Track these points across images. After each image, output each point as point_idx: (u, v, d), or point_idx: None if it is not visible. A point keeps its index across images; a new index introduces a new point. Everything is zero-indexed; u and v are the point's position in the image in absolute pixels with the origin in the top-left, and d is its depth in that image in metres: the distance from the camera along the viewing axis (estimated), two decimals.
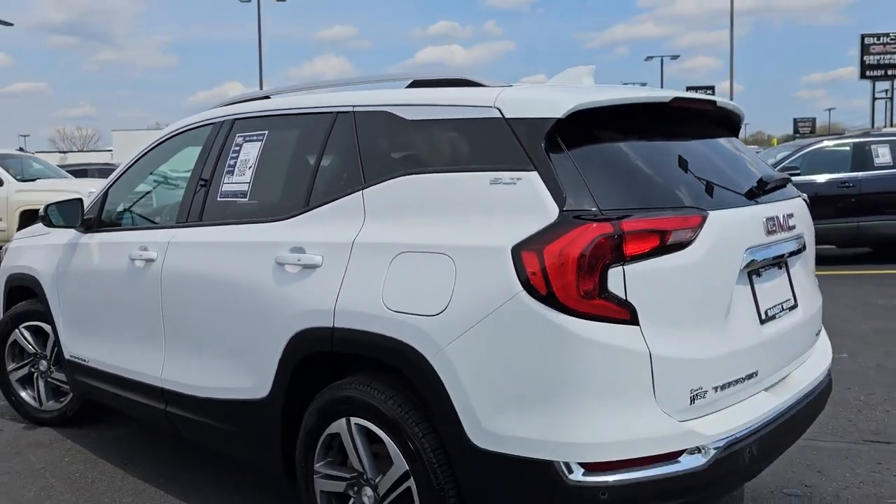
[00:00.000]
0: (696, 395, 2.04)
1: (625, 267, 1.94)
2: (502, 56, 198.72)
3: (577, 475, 1.94)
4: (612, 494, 1.94)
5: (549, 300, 1.92)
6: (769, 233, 2.33)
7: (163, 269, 3.11)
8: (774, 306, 2.39)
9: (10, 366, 4.29)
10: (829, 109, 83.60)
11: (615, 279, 1.94)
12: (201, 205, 3.08)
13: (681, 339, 2.03)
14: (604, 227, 1.94)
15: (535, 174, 2.06)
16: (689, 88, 43.84)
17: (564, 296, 1.92)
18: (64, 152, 68.39)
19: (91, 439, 4.02)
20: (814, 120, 58.12)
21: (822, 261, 10.72)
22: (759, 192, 2.42)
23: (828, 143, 10.44)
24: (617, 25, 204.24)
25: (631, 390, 1.95)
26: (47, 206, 3.68)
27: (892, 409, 4.20)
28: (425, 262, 2.17)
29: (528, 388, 1.98)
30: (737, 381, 2.16)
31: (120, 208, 3.69)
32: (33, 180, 11.49)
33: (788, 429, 2.40)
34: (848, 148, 10.02)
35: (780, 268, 2.50)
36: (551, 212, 1.99)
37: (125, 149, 51.50)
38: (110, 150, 57.68)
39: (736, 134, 2.90)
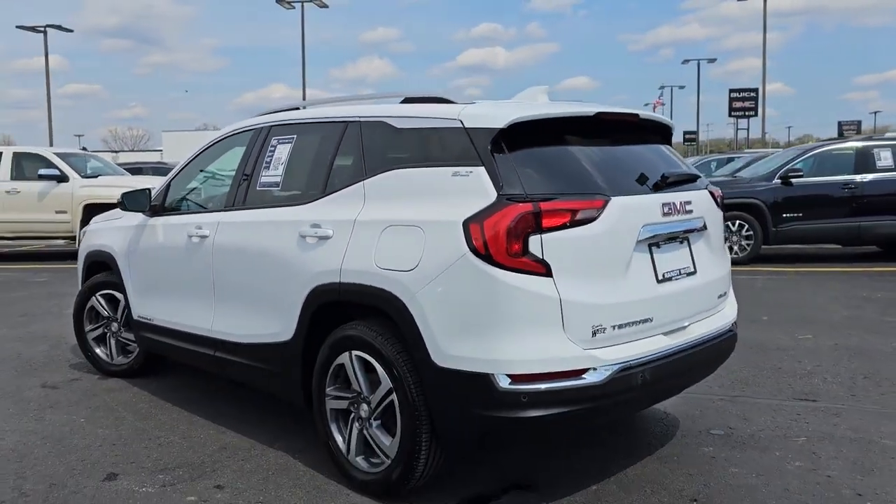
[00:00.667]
0: (597, 330, 2.79)
1: (542, 235, 2.71)
2: (545, 58, 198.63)
3: (505, 384, 2.70)
4: (530, 398, 2.70)
5: (487, 258, 2.70)
6: (665, 215, 3.07)
7: (214, 244, 3.97)
8: (672, 271, 3.12)
9: (88, 327, 5.21)
10: (875, 112, 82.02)
11: (535, 244, 2.70)
12: (244, 193, 3.93)
13: (586, 289, 2.78)
14: (527, 206, 2.70)
15: (482, 168, 2.84)
16: (731, 91, 43.80)
17: (498, 255, 2.69)
18: (116, 152, 70.81)
19: (153, 387, 4.89)
20: (859, 123, 57.33)
21: (830, 259, 11.31)
22: (662, 184, 3.15)
23: (832, 147, 10.95)
24: (662, 27, 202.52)
25: (545, 324, 2.71)
26: (123, 194, 4.58)
27: (832, 378, 4.84)
28: (404, 232, 2.96)
29: (473, 322, 2.75)
30: (633, 323, 2.90)
31: (179, 197, 4.56)
32: (95, 177, 12.60)
33: (685, 365, 3.12)
34: (851, 151, 10.52)
35: (682, 242, 3.23)
36: (491, 195, 2.77)
37: (175, 149, 53.62)
38: (160, 150, 59.82)
39: (667, 140, 3.63)
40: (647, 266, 3.02)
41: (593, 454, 3.61)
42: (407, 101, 3.40)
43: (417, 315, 2.85)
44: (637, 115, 3.35)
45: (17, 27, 32.22)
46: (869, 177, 10.21)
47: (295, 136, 3.79)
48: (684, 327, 3.20)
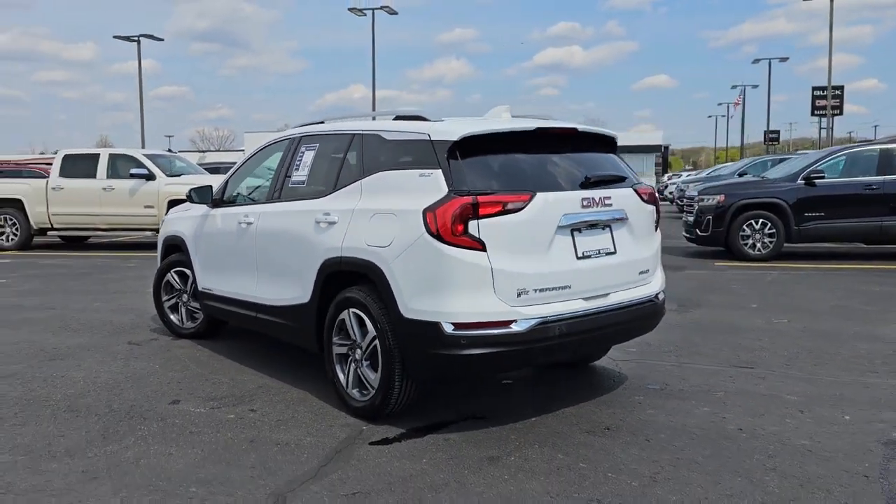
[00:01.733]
0: (521, 292, 3.73)
1: (479, 221, 3.67)
2: (623, 56, 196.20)
3: (450, 330, 3.67)
4: (468, 341, 3.66)
5: (438, 237, 3.67)
6: (584, 207, 3.97)
7: (257, 229, 5.08)
8: (591, 250, 4.02)
9: (164, 298, 6.45)
10: None
11: (474, 227, 3.66)
12: (280, 189, 5.02)
13: (512, 261, 3.72)
14: (467, 199, 3.67)
15: (439, 171, 3.82)
16: (814, 89, 42.67)
17: (445, 235, 3.66)
18: (203, 151, 74.39)
19: (213, 346, 6.07)
20: None
21: (855, 257, 11.83)
22: (586, 183, 4.06)
23: (858, 149, 11.36)
24: (745, 23, 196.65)
25: (480, 286, 3.67)
26: (191, 190, 5.77)
27: (779, 353, 5.58)
28: (384, 218, 3.97)
29: (428, 284, 3.73)
30: (552, 289, 3.83)
31: (234, 192, 5.71)
32: (179, 175, 14.15)
33: (605, 324, 4.02)
34: (875, 153, 10.93)
35: (603, 229, 4.12)
36: (444, 191, 3.74)
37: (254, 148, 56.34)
38: (242, 150, 62.78)
39: (611, 148, 4.53)
40: (569, 246, 3.93)
41: (541, 397, 4.53)
42: (397, 118, 4.41)
43: (391, 280, 3.86)
44: (575, 129, 4.26)
45: (115, 37, 34.89)
46: (892, 177, 10.60)
47: (318, 144, 4.85)
48: (606, 294, 4.09)
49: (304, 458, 3.66)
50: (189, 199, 5.82)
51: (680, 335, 6.19)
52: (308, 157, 4.89)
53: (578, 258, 3.97)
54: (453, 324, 3.68)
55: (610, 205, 4.12)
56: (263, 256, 5.04)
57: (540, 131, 4.07)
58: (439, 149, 3.88)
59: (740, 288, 8.72)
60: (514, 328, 3.70)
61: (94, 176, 14.02)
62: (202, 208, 5.86)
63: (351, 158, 4.50)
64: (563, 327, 3.83)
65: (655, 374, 5.04)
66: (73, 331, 6.74)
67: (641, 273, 4.33)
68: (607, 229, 4.15)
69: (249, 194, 5.66)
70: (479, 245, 3.68)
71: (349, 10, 32.53)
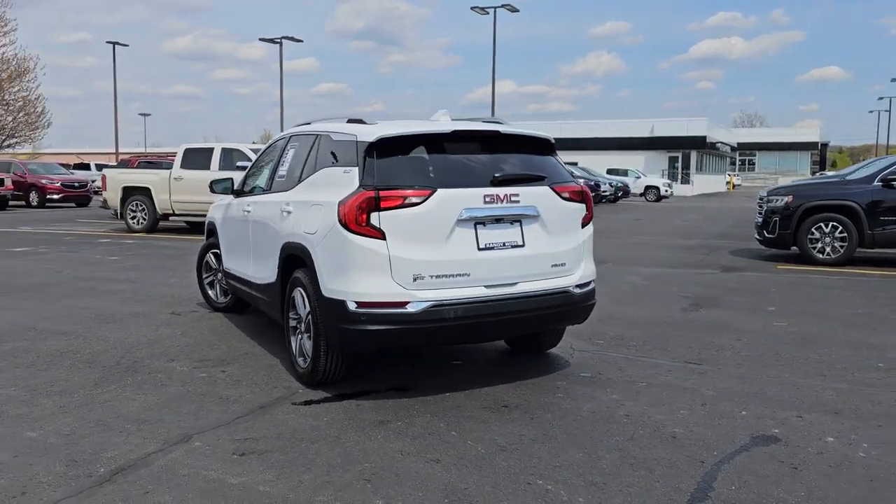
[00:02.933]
0: (417, 277, 4.20)
1: (380, 213, 4.17)
2: (788, 47, 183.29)
3: (353, 307, 4.20)
4: (367, 317, 4.18)
5: (346, 226, 4.21)
6: (486, 203, 4.35)
7: (252, 218, 5.83)
8: (495, 243, 4.39)
9: (204, 275, 7.40)
10: None
11: (375, 218, 4.17)
12: (271, 182, 5.74)
13: (410, 249, 4.19)
14: (371, 193, 4.18)
15: (356, 168, 4.35)
16: None
17: (352, 224, 4.19)
18: None
19: (237, 319, 6.93)
20: None
21: None
22: (497, 182, 4.43)
23: None
24: None
25: (380, 270, 4.17)
26: (212, 182, 6.64)
27: (742, 353, 5.62)
28: (317, 209, 4.56)
29: (338, 267, 4.27)
30: (449, 276, 4.25)
31: (246, 184, 6.51)
32: None
33: (509, 310, 4.39)
34: None
35: (512, 224, 4.47)
36: (355, 186, 4.28)
37: None
38: None
39: (542, 148, 4.85)
40: (470, 238, 4.34)
41: (474, 376, 4.94)
42: (349, 120, 4.98)
43: (315, 263, 4.45)
44: (498, 132, 4.64)
45: (260, 39, 37.76)
46: None
47: (298, 143, 5.52)
48: (513, 284, 4.46)
49: (233, 410, 4.34)
50: (210, 189, 6.69)
51: (662, 331, 6.32)
52: (290, 154, 5.57)
53: (480, 249, 4.36)
54: (356, 302, 4.21)
55: (517, 201, 4.47)
56: (254, 241, 5.78)
57: (457, 133, 4.50)
58: (360, 149, 4.41)
59: (777, 291, 8.52)
60: (409, 309, 4.18)
61: (208, 168, 15.58)
62: (228, 198, 6.72)
63: (312, 156, 5.13)
64: (458, 311, 4.25)
65: (600, 364, 5.30)
66: (136, 301, 7.86)
67: (555, 266, 4.64)
68: (516, 224, 4.51)
69: (253, 186, 6.44)
70: (380, 234, 4.18)
71: (472, 9, 33.25)
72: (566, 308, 4.69)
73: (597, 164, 42.27)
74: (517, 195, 4.47)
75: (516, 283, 4.48)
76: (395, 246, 4.19)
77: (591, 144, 51.15)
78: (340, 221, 4.25)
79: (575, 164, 38.27)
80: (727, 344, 5.89)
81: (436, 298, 4.22)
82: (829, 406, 4.37)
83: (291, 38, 37.90)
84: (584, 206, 4.83)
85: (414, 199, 4.22)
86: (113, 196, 16.80)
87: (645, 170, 47.51)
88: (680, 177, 51.14)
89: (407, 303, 4.18)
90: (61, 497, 3.18)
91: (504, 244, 4.45)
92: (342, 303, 4.24)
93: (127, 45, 44.40)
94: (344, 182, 4.40)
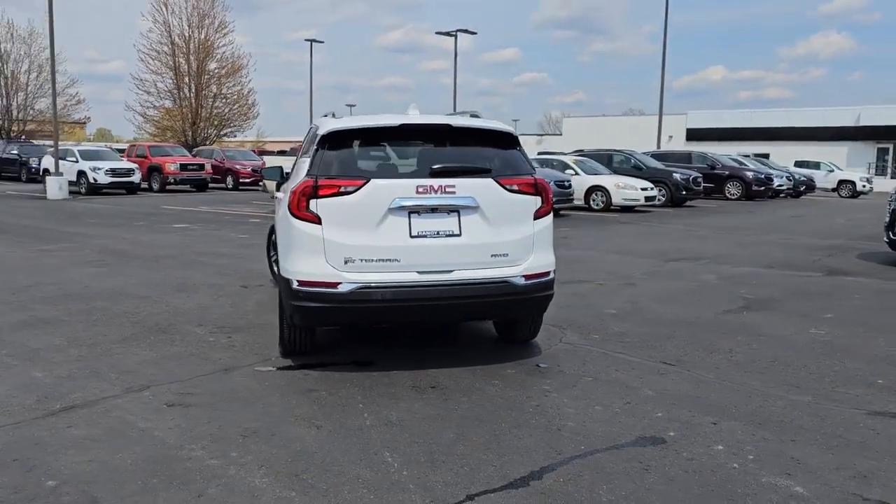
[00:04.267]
0: (348, 259, 4.54)
1: (318, 200, 4.57)
2: None
3: (295, 286, 4.64)
4: (304, 295, 4.60)
5: (291, 212, 4.65)
6: (419, 193, 4.57)
7: (279, 203, 6.46)
8: (428, 231, 4.60)
9: (270, 254, 8.21)
10: None
11: (314, 205, 4.57)
12: (293, 171, 6.33)
13: (343, 234, 4.54)
14: (310, 181, 4.59)
15: (310, 159, 4.78)
16: None
17: (295, 210, 4.62)
18: (541, 135, 78.14)
19: None
20: None
21: None
22: (435, 173, 4.64)
23: None
24: None
25: (315, 253, 4.56)
26: (263, 169, 7.36)
27: (739, 358, 5.33)
28: (284, 195, 5.04)
29: (287, 249, 4.73)
30: (380, 260, 4.55)
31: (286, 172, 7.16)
32: None
33: (441, 296, 4.60)
34: None
35: (449, 214, 4.65)
36: (305, 175, 4.71)
37: (573, 133, 58.06)
38: (559, 135, 64.93)
39: (499, 142, 4.97)
40: (403, 226, 4.59)
41: (432, 356, 5.19)
42: (324, 115, 5.42)
43: (278, 245, 4.94)
44: (449, 126, 4.84)
45: (436, 33, 39.16)
46: None
47: (309, 135, 6.05)
48: (448, 271, 4.66)
49: (202, 368, 4.96)
50: (261, 177, 7.41)
51: (672, 331, 6.11)
52: (307, 146, 6.11)
53: (412, 237, 4.61)
54: (298, 281, 4.64)
55: (453, 192, 4.64)
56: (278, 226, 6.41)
57: (405, 127, 4.77)
58: (317, 141, 4.83)
59: (859, 299, 7.74)
60: (340, 289, 4.54)
61: None
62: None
63: (304, 147, 5.62)
64: (387, 293, 4.55)
65: (569, 357, 5.31)
66: (222, 275, 8.87)
67: (495, 256, 4.75)
68: (454, 214, 4.68)
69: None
70: (317, 219, 4.58)
71: None
72: (508, 298, 4.79)
73: (794, 155, 39.16)
74: (453, 187, 4.65)
75: (452, 271, 4.67)
76: (329, 230, 4.56)
77: (786, 134, 47.35)
78: (288, 207, 4.70)
79: (766, 155, 35.80)
80: (727, 347, 5.60)
81: (365, 281, 4.54)
82: (758, 417, 4.13)
83: (466, 31, 38.90)
84: (538, 198, 4.89)
85: (348, 188, 4.56)
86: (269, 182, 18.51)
87: (848, 162, 43.16)
88: (890, 171, 45.78)
89: (338, 283, 4.55)
90: (7, 423, 3.95)
91: (438, 233, 4.65)
92: (289, 281, 4.70)
93: (322, 42, 47.90)
94: (303, 171, 4.84)
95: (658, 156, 25.87)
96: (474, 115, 5.40)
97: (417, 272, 4.63)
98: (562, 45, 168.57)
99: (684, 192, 21.87)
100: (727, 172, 26.17)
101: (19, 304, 7.02)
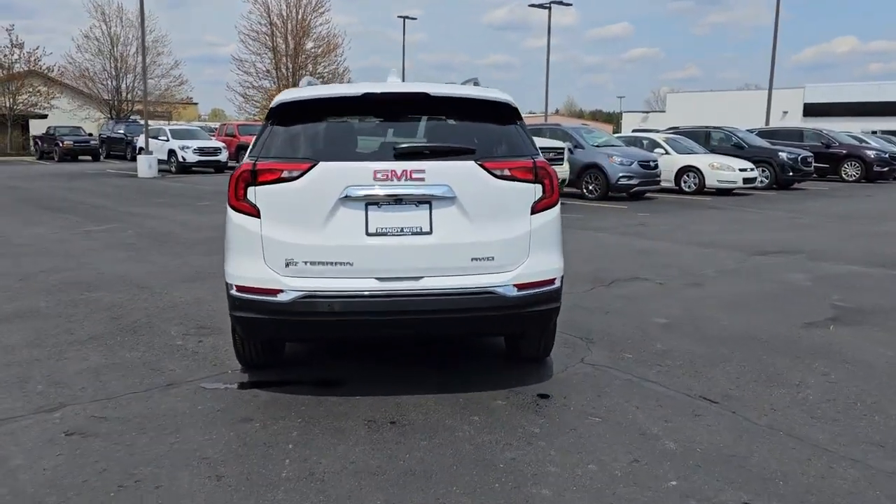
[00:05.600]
0: (290, 262, 3.66)
1: (257, 187, 3.70)
2: None
3: (234, 291, 3.80)
4: (241, 303, 3.76)
5: (229, 202, 3.81)
6: (378, 180, 3.61)
7: None
8: (390, 228, 3.65)
9: None
10: None
11: (252, 193, 3.71)
12: None
13: (284, 230, 3.66)
14: (249, 165, 3.72)
15: (259, 137, 3.91)
16: None
17: (232, 199, 3.77)
18: (646, 112, 74.89)
19: None
20: None
21: None
22: (400, 154, 3.67)
23: None
24: None
25: (253, 253, 3.71)
26: None
27: (814, 394, 4.11)
28: None
29: (226, 247, 3.88)
30: (328, 263, 3.64)
31: None
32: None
33: (407, 309, 3.65)
34: None
35: (418, 206, 3.67)
36: (247, 157, 3.85)
37: (679, 111, 54.96)
38: (663, 111, 61.73)
39: (496, 114, 3.94)
40: (357, 220, 3.65)
41: (414, 378, 4.25)
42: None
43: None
44: (426, 94, 3.84)
45: (529, 6, 37.60)
46: None
47: None
48: (416, 278, 3.70)
49: (144, 384, 4.23)
50: None
51: (730, 351, 4.91)
52: None
53: (369, 234, 3.67)
54: (235, 286, 3.81)
55: (422, 179, 3.66)
56: None
57: (369, 97, 3.81)
58: (267, 115, 3.96)
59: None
60: (280, 297, 3.67)
61: None
62: None
63: None
64: (336, 304, 3.64)
65: (585, 385, 4.24)
66: None
67: (478, 260, 3.74)
68: (424, 206, 3.70)
69: None
70: (255, 211, 3.72)
71: None
72: (494, 313, 3.78)
73: None
74: (422, 171, 3.67)
75: (420, 278, 3.71)
76: (268, 225, 3.70)
77: None
78: (229, 195, 3.86)
79: None
80: (796, 379, 4.36)
81: (310, 288, 3.65)
82: (814, 497, 2.96)
83: (560, 3, 37.09)
84: (537, 186, 3.83)
85: (291, 173, 3.67)
86: None
87: None
88: None
89: (278, 291, 3.68)
90: None
91: (403, 230, 3.69)
92: (228, 286, 3.88)
93: (415, 19, 47.17)
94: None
95: (765, 133, 23.60)
96: (475, 84, 4.38)
97: (376, 279, 3.69)
98: (676, 16, 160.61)
99: (791, 174, 19.74)
100: (844, 151, 23.57)
101: (17, 292, 6.60)
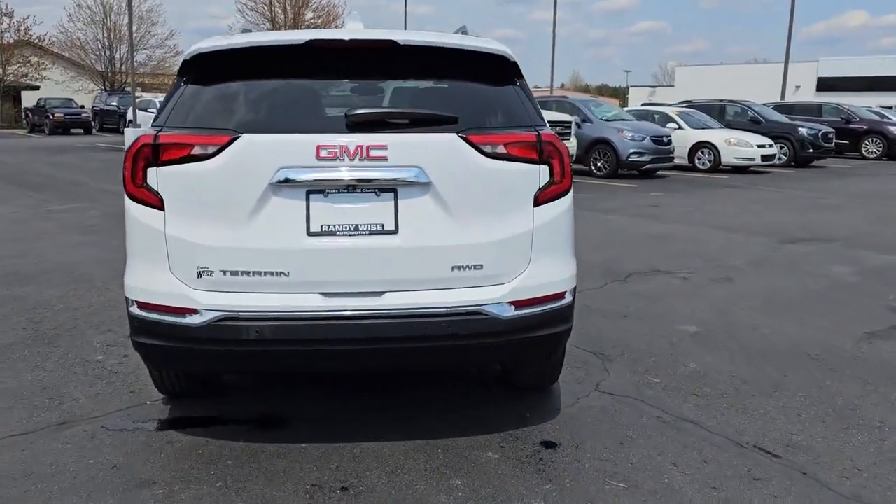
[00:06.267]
0: (203, 272, 2.67)
1: (159, 168, 2.70)
2: None
3: (134, 309, 2.81)
4: (140, 325, 2.78)
5: (125, 186, 2.81)
6: (322, 158, 2.61)
7: None
8: (341, 225, 2.65)
9: None
10: None
11: (153, 176, 2.71)
12: None
13: (194, 227, 2.67)
14: (148, 138, 2.72)
15: (168, 98, 2.90)
16: None
17: (129, 184, 2.77)
18: (653, 87, 73.25)
19: None
20: None
21: None
22: (354, 124, 2.67)
23: None
24: None
25: (155, 257, 2.72)
26: None
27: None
28: None
29: (126, 248, 2.89)
30: (254, 273, 2.65)
31: None
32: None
33: (365, 336, 2.68)
34: None
35: (378, 195, 2.67)
36: (150, 127, 2.85)
37: (689, 84, 53.41)
38: (672, 86, 60.18)
39: (489, 71, 2.92)
40: (296, 214, 2.66)
41: (378, 421, 3.29)
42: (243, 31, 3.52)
43: None
44: (394, 42, 2.81)
45: None
46: None
47: None
48: (378, 294, 2.71)
49: (31, 423, 3.27)
50: None
51: (781, 373, 3.94)
52: None
53: (312, 234, 2.67)
54: (137, 302, 2.82)
55: (384, 158, 2.65)
56: None
57: (316, 45, 2.79)
58: (178, 70, 2.94)
59: None
60: (189, 320, 2.69)
61: None
62: None
63: None
64: (266, 330, 2.66)
65: (602, 426, 3.27)
66: None
67: (459, 268, 2.74)
68: (387, 196, 2.70)
69: None
70: (157, 201, 2.72)
71: None
72: (482, 340, 2.78)
73: None
74: (384, 148, 2.66)
75: (383, 293, 2.72)
76: (174, 221, 2.70)
77: None
78: (125, 178, 2.85)
79: None
80: (878, 416, 3.38)
81: (229, 307, 2.67)
82: None
83: None
84: (542, 168, 2.82)
85: (205, 149, 2.67)
86: None
87: None
88: None
89: (187, 310, 2.69)
90: None
91: (358, 228, 2.69)
92: (128, 302, 2.88)
93: None
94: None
95: (782, 108, 22.39)
96: (463, 34, 3.34)
97: (321, 294, 2.70)
98: None
99: (811, 150, 18.61)
100: (865, 127, 22.36)
101: None
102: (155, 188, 2.71)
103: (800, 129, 18.70)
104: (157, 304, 2.73)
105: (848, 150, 22.05)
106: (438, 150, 2.71)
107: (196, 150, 2.67)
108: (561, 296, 2.91)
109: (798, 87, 44.31)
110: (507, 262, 2.80)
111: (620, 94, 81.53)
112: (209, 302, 2.67)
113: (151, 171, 2.71)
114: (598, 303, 5.24)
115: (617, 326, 4.71)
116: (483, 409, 3.40)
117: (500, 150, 2.75)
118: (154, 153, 2.70)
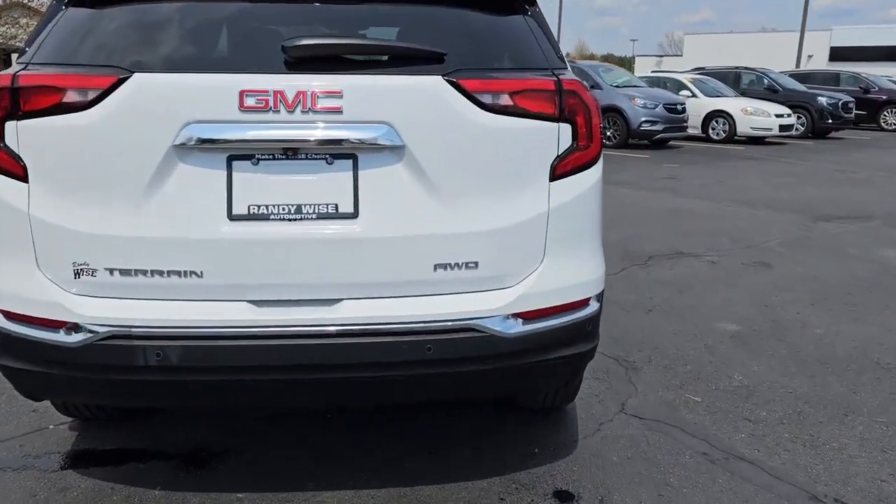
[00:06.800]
0: (81, 271, 1.89)
1: (19, 122, 1.90)
2: None
3: (2, 321, 2.04)
4: (4, 342, 2.00)
5: None
6: (248, 110, 1.81)
7: None
8: (277, 206, 1.86)
9: None
10: None
11: (11, 133, 1.91)
12: None
13: (69, 207, 1.88)
14: (5, 80, 1.91)
15: (41, 31, 2.09)
16: None
17: None
18: (660, 56, 71.73)
19: None
20: None
21: None
22: (299, 61, 1.86)
23: None
24: None
25: (17, 249, 1.93)
26: None
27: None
28: None
29: None
30: (157, 273, 1.87)
31: None
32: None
33: (312, 361, 1.91)
34: None
35: (330, 162, 1.88)
36: (15, 62, 2.04)
37: (697, 54, 52.02)
38: (680, 55, 58.76)
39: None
40: (211, 190, 1.87)
41: (343, 458, 2.54)
42: None
43: None
44: None
45: None
46: None
47: None
48: (330, 302, 1.93)
49: None
50: None
51: (850, 388, 3.17)
52: None
53: (235, 217, 1.88)
54: (2, 312, 2.03)
55: (337, 109, 1.85)
56: None
57: None
58: None
59: None
60: (65, 337, 1.91)
61: None
62: None
63: None
64: (171, 352, 1.88)
65: (630, 468, 2.52)
66: None
67: (445, 267, 1.96)
68: (343, 163, 1.90)
69: None
70: (20, 169, 1.92)
71: None
72: (476, 365, 2.00)
73: None
74: (338, 94, 1.86)
75: (337, 301, 1.94)
76: (41, 197, 1.91)
77: None
78: None
79: None
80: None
81: (119, 320, 1.89)
82: None
83: None
84: (562, 127, 2.01)
85: (82, 95, 1.87)
86: None
87: None
88: None
89: (61, 323, 1.91)
90: None
91: (301, 209, 1.90)
92: None
93: None
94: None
95: (798, 76, 21.38)
96: None
97: (250, 302, 1.92)
98: None
99: (830, 121, 17.67)
100: (884, 97, 21.36)
101: None
102: (15, 150, 1.91)
103: (819, 98, 17.74)
104: (23, 313, 1.95)
105: (865, 122, 21.08)
106: (416, 100, 1.90)
107: (70, 97, 1.86)
108: (584, 303, 2.12)
109: (811, 56, 43.07)
110: (512, 258, 2.00)
111: (626, 64, 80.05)
112: (91, 313, 1.89)
113: (10, 126, 1.91)
114: (616, 293, 4.46)
115: (641, 323, 3.94)
116: (476, 440, 2.65)
117: (504, 100, 1.95)
118: (13, 101, 1.90)
